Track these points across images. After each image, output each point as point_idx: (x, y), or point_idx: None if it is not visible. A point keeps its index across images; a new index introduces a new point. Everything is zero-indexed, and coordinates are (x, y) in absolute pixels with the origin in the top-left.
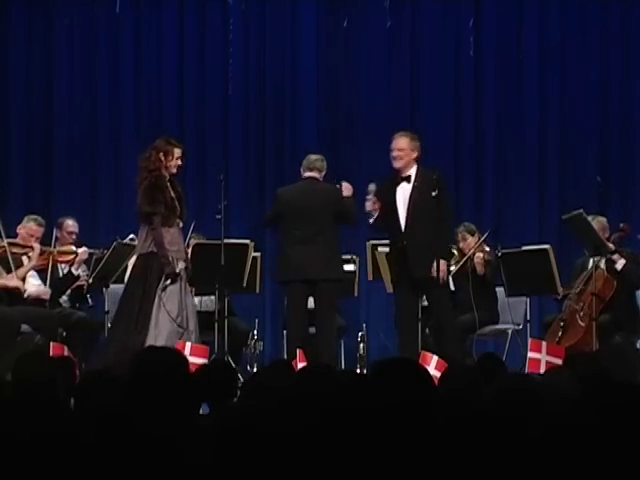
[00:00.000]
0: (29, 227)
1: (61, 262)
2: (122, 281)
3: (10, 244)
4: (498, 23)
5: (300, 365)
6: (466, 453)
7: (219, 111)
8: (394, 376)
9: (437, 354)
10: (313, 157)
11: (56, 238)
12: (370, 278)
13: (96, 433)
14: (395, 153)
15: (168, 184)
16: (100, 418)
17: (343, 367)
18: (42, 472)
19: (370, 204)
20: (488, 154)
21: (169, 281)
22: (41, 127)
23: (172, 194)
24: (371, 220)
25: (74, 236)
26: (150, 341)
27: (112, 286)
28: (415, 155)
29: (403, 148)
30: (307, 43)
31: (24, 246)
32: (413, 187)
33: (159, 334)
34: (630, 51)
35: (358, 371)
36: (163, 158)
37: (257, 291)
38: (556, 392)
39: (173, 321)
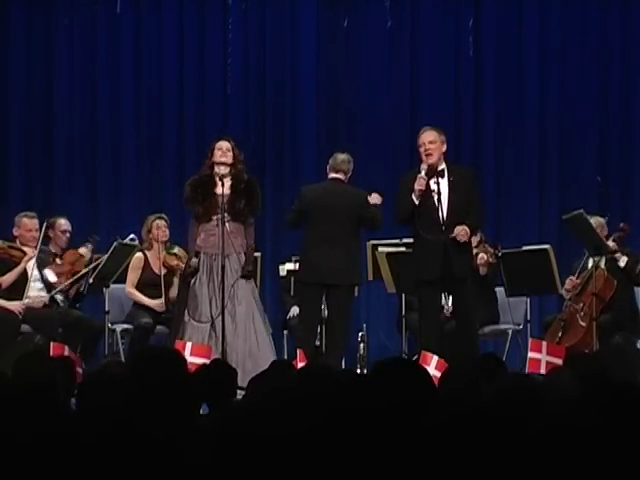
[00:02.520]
0: (23, 224)
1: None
2: (122, 281)
3: (10, 247)
4: (498, 23)
5: (300, 365)
6: (466, 453)
7: (219, 111)
8: (394, 376)
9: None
10: (340, 158)
11: (49, 238)
12: (370, 278)
13: (97, 433)
14: (427, 146)
15: (221, 181)
16: (101, 419)
17: (343, 367)
18: (42, 473)
19: (422, 183)
20: (488, 154)
21: (188, 277)
22: (41, 127)
23: (213, 191)
24: (417, 201)
25: (67, 234)
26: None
27: (112, 286)
28: (444, 149)
29: (434, 141)
30: (307, 43)
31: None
32: (450, 182)
33: (181, 329)
34: (630, 51)
35: (358, 371)
36: (210, 156)
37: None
38: (556, 392)
39: (191, 317)
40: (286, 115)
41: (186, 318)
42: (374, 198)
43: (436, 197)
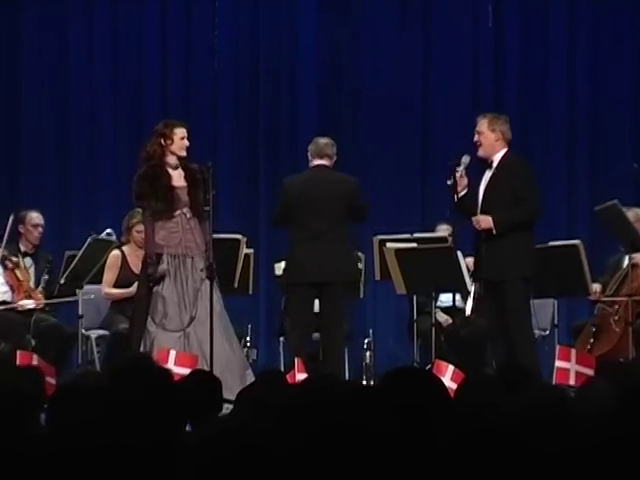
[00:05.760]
0: None
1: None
2: (99, 281)
3: None
4: None
5: (299, 376)
6: (482, 475)
7: (206, 89)
8: (405, 388)
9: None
10: (322, 141)
11: (19, 234)
12: (378, 278)
13: (69, 453)
14: (475, 137)
15: (172, 171)
16: (74, 436)
17: (348, 378)
18: None
19: (457, 178)
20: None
21: (151, 283)
22: (7, 111)
23: (171, 183)
24: (456, 197)
25: (40, 229)
26: (141, 348)
27: (86, 287)
28: (495, 137)
29: (480, 131)
30: (305, 11)
31: None
32: (492, 175)
33: (146, 340)
34: None
35: (364, 382)
36: (164, 142)
37: (250, 292)
38: (588, 407)
39: (158, 326)
40: (282, 94)
41: (152, 327)
42: None
43: (480, 192)
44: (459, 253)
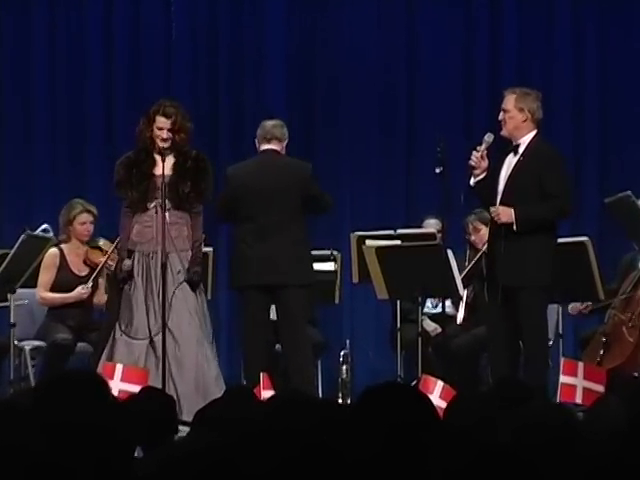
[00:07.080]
0: None
1: None
2: (34, 284)
3: None
4: None
5: (265, 393)
6: None
7: (159, 66)
8: (387, 407)
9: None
10: (270, 123)
11: None
12: (355, 280)
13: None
14: (501, 115)
15: (160, 157)
16: (8, 464)
17: (321, 395)
18: None
19: (476, 158)
20: None
21: (120, 283)
22: None
23: (151, 171)
24: (472, 181)
25: None
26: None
27: (20, 291)
28: (522, 118)
29: (507, 109)
30: None
31: None
32: (517, 162)
33: (112, 349)
34: None
35: (340, 400)
36: (149, 126)
37: (209, 297)
38: (598, 428)
39: (123, 333)
40: (246, 87)
41: (117, 333)
42: None
43: (501, 179)
44: (450, 252)
